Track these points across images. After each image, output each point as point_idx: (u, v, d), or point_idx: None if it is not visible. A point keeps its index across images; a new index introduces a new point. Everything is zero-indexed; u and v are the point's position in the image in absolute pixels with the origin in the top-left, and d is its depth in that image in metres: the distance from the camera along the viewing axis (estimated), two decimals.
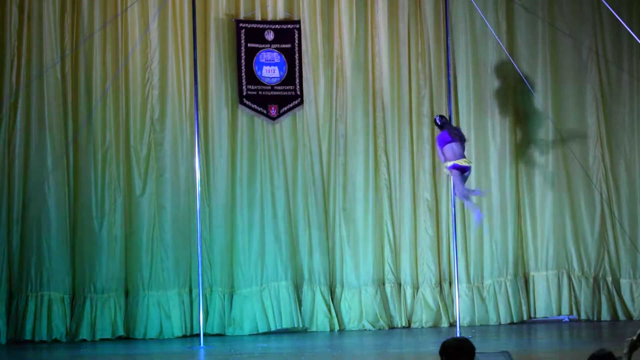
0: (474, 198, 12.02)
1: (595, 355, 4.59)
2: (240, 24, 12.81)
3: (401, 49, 13.22)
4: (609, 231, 13.36)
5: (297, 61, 12.94)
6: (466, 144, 11.87)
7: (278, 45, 12.91)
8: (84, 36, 12.29)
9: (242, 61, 12.79)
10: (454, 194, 11.69)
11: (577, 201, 13.40)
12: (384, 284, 13.07)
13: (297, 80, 12.94)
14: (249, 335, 12.46)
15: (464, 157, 11.45)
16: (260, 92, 12.82)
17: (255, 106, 12.80)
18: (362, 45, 13.16)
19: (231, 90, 12.78)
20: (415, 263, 13.12)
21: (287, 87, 12.92)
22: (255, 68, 12.82)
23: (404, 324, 13.02)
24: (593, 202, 13.39)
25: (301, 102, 12.96)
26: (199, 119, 12.05)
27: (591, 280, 13.32)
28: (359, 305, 12.91)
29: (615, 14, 11.17)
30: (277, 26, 12.95)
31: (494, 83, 13.39)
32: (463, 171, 11.40)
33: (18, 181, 12.12)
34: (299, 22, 12.98)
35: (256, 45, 12.84)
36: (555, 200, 13.37)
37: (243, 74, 12.78)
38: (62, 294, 12.11)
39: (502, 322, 13.10)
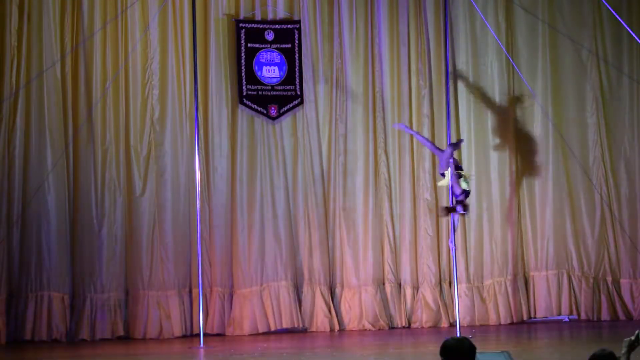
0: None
1: (596, 355, 4.58)
2: (240, 24, 12.81)
3: (401, 49, 13.22)
4: (609, 231, 13.36)
5: (297, 61, 12.94)
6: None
7: (278, 45, 12.91)
8: (84, 36, 12.30)
9: (242, 61, 12.79)
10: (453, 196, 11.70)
11: (577, 201, 13.40)
12: (384, 284, 13.07)
13: (297, 80, 12.93)
14: (249, 335, 12.46)
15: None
16: (260, 92, 12.82)
17: (255, 106, 12.80)
18: (362, 45, 13.16)
19: (231, 90, 12.79)
20: (415, 263, 13.11)
21: (287, 87, 12.92)
22: (255, 68, 12.82)
23: (404, 324, 13.02)
24: (593, 202, 13.39)
25: (301, 102, 12.95)
26: (199, 119, 12.06)
27: (591, 280, 13.31)
28: (359, 305, 12.91)
29: (615, 14, 11.19)
30: (277, 26, 12.95)
31: (493, 83, 13.39)
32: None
33: (18, 181, 12.11)
34: (299, 22, 12.98)
35: (256, 45, 12.84)
36: (555, 200, 13.37)
37: (243, 74, 12.78)
38: (62, 293, 12.12)
39: (502, 322, 13.09)
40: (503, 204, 13.30)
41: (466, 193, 11.44)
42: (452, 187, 11.44)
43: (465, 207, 11.44)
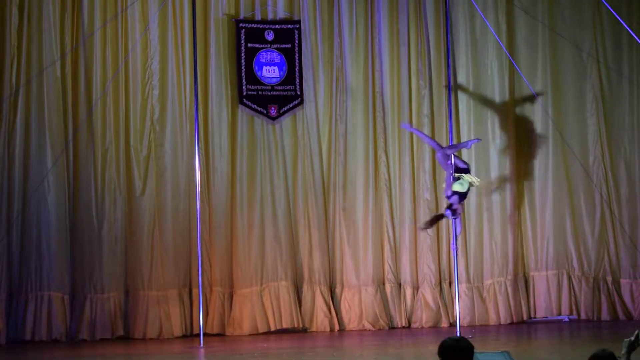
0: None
1: (596, 355, 4.59)
2: (240, 24, 12.81)
3: (401, 49, 13.22)
4: (609, 231, 13.35)
5: (297, 61, 12.94)
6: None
7: (278, 45, 12.91)
8: (83, 36, 12.30)
9: (242, 61, 12.79)
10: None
11: (577, 201, 13.40)
12: (384, 284, 13.07)
13: (297, 80, 12.94)
14: (249, 335, 12.46)
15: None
16: (260, 92, 12.82)
17: (255, 106, 12.80)
18: (362, 45, 13.16)
19: (231, 90, 12.79)
20: (415, 263, 13.11)
21: (287, 87, 12.92)
22: (255, 68, 12.82)
23: (404, 324, 13.02)
24: (593, 202, 13.39)
25: (301, 102, 12.96)
26: (199, 119, 12.06)
27: (591, 280, 13.31)
28: (359, 305, 12.91)
29: (615, 14, 11.19)
30: (277, 26, 12.95)
31: (494, 83, 13.38)
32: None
33: (18, 181, 12.12)
34: (299, 22, 12.98)
35: (256, 45, 12.84)
36: (555, 200, 13.37)
37: (243, 74, 12.78)
38: (62, 293, 12.12)
39: (502, 322, 13.09)
40: (503, 204, 13.30)
41: (460, 196, 11.28)
42: (446, 187, 11.40)
43: (454, 212, 11.29)
